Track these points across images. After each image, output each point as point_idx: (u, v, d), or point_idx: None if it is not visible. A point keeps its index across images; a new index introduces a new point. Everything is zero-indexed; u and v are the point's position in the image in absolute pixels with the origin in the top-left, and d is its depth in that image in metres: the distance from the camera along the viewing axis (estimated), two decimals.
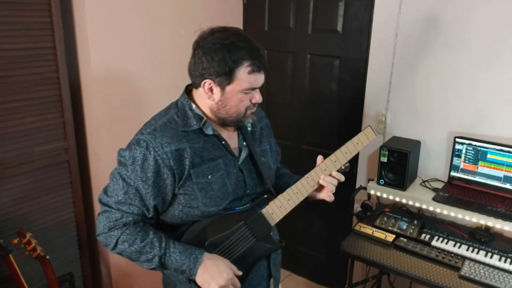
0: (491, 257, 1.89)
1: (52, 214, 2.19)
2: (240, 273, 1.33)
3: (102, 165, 2.27)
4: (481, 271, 1.82)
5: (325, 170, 1.39)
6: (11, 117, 1.94)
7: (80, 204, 2.30)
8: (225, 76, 1.22)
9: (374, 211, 2.30)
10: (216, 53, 1.21)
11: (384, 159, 2.18)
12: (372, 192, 2.28)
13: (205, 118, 1.31)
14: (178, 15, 2.48)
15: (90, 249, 2.43)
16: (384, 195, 2.24)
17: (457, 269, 1.86)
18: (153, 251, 1.27)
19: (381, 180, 2.22)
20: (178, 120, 1.30)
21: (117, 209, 1.28)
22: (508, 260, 1.86)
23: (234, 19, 2.88)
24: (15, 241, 1.86)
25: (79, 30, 2.10)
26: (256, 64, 1.23)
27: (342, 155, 1.38)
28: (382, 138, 2.47)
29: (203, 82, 1.25)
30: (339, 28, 2.54)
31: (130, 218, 1.28)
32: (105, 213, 1.29)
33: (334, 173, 1.39)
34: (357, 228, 2.15)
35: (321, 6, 2.59)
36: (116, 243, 1.28)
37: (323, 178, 1.38)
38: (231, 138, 1.38)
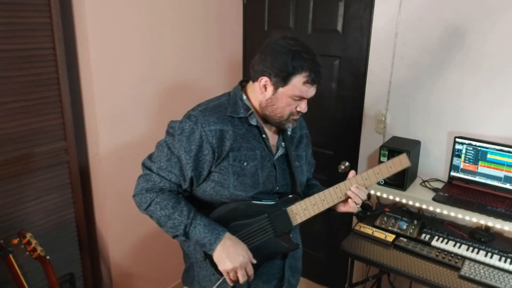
0: (491, 257, 1.89)
1: (53, 214, 2.19)
2: (254, 261, 1.38)
3: (102, 165, 2.27)
4: (481, 271, 1.82)
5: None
6: (12, 117, 1.94)
7: (80, 204, 2.30)
8: (281, 79, 1.32)
9: (374, 211, 2.30)
10: (281, 55, 1.31)
11: (384, 159, 2.18)
12: (372, 192, 2.28)
13: (252, 109, 1.41)
14: (178, 15, 2.48)
15: (91, 249, 2.43)
16: (384, 195, 2.24)
17: (457, 269, 1.86)
18: (181, 218, 1.36)
19: (381, 180, 2.22)
20: (228, 106, 1.41)
21: (157, 174, 1.39)
22: (508, 260, 1.86)
23: (234, 19, 2.88)
24: (15, 241, 1.86)
25: (79, 30, 2.10)
26: (312, 77, 1.33)
27: (374, 175, 1.46)
28: (382, 138, 2.47)
29: (261, 78, 1.36)
30: (339, 28, 2.54)
31: (167, 185, 1.39)
32: (145, 176, 1.41)
33: (355, 187, 1.44)
34: (357, 228, 2.16)
35: (321, 6, 2.58)
36: (150, 205, 1.38)
37: (351, 189, 1.44)
38: (271, 136, 1.48)
